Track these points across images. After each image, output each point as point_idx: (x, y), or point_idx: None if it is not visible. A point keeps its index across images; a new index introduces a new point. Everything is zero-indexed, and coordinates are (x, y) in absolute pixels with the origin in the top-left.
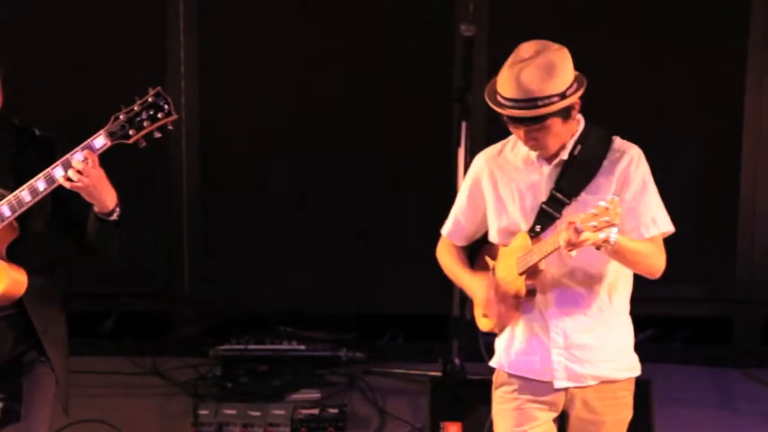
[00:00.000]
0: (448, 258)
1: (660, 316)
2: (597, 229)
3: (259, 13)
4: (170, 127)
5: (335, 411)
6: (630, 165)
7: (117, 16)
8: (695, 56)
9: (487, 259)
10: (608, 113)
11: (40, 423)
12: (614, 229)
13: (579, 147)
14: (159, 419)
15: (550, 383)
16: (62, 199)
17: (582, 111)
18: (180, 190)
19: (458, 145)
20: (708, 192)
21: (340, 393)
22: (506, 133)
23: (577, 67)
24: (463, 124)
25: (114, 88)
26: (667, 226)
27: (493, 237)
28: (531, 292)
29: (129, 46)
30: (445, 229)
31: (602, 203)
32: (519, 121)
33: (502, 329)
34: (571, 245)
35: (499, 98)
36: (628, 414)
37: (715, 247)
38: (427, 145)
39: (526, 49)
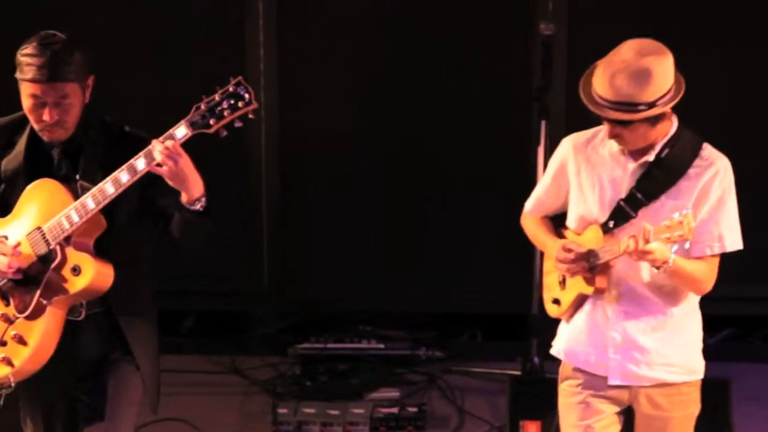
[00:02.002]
0: (531, 224)
1: (738, 316)
2: (669, 240)
3: (338, 8)
4: (251, 116)
5: (414, 410)
6: (714, 178)
7: (197, 10)
8: None
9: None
10: (687, 109)
11: (125, 423)
12: (675, 248)
13: (666, 150)
14: (238, 418)
15: (605, 378)
16: (151, 192)
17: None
18: (259, 188)
19: (537, 144)
20: None
21: (420, 392)
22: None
23: None
24: (542, 124)
25: (193, 82)
26: (733, 245)
27: (571, 222)
28: (599, 290)
29: (208, 41)
30: (527, 206)
31: (676, 216)
32: (604, 118)
33: (570, 313)
34: (636, 254)
35: (592, 91)
36: (695, 409)
37: None
38: (506, 145)
39: (628, 49)
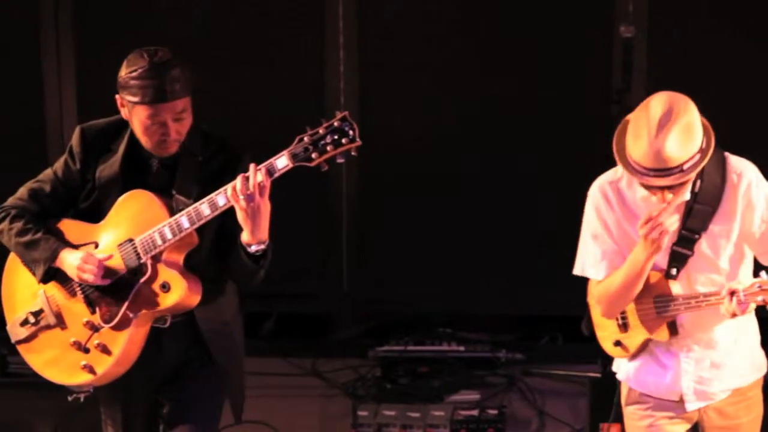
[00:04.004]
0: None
1: None
2: (765, 302)
3: (417, 15)
4: (354, 153)
5: (494, 412)
6: (750, 187)
7: (276, 17)
8: None
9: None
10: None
11: (206, 427)
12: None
13: (699, 182)
14: (318, 420)
15: (681, 402)
16: (228, 214)
17: (737, 105)
18: (339, 191)
19: None
20: None
21: (500, 394)
22: None
23: (731, 64)
24: None
25: (273, 87)
26: None
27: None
28: (673, 332)
29: (288, 46)
30: (596, 274)
31: (764, 275)
32: (655, 187)
33: (637, 355)
34: (735, 314)
35: (633, 163)
36: (760, 410)
37: None
38: (585, 146)
39: (656, 109)
